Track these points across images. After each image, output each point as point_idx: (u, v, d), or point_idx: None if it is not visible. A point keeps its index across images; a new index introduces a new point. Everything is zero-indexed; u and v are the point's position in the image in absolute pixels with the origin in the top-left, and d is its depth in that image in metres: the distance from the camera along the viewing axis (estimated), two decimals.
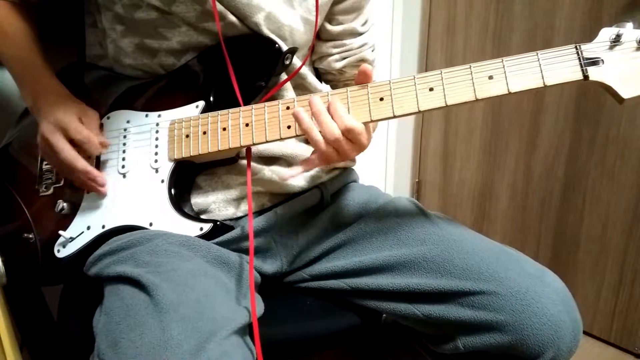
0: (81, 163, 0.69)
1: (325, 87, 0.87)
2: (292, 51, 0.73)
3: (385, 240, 0.74)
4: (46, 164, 0.77)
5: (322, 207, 0.81)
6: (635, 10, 1.30)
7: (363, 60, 0.87)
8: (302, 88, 0.80)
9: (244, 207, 0.75)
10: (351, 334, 0.78)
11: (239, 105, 0.68)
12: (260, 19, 0.70)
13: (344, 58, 0.86)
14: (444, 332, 0.69)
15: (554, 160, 1.55)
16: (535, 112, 1.57)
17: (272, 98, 0.75)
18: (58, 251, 0.72)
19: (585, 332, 1.50)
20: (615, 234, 1.44)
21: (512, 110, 1.63)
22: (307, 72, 0.79)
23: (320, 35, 0.84)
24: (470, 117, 1.76)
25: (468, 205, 1.84)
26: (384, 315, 0.83)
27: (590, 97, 1.42)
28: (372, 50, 0.89)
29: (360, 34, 0.86)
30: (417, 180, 2.02)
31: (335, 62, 0.85)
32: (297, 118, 0.63)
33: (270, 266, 0.76)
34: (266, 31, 0.71)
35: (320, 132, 0.62)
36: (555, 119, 1.53)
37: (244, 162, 0.74)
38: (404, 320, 0.73)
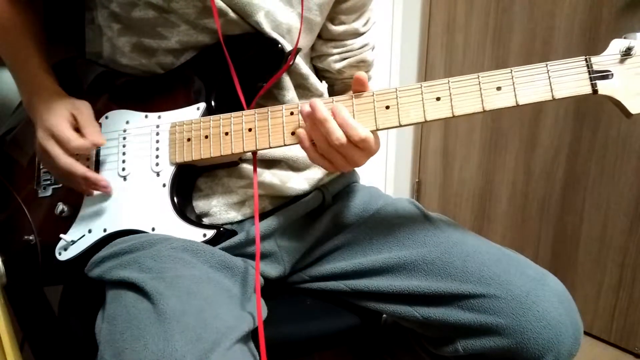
0: (80, 169, 0.68)
1: (326, 88, 0.87)
2: (296, 52, 0.72)
3: (385, 242, 0.74)
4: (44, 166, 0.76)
5: (324, 209, 0.81)
6: (636, 10, 1.30)
7: (363, 61, 0.87)
8: (303, 88, 0.79)
9: (245, 211, 0.75)
10: (351, 335, 0.78)
11: (241, 107, 0.67)
12: (261, 17, 0.69)
13: (344, 59, 0.85)
14: (444, 335, 0.69)
15: (554, 160, 1.56)
16: (535, 112, 1.58)
17: (273, 98, 0.74)
18: (59, 254, 0.72)
19: (585, 332, 1.50)
20: (615, 234, 1.44)
21: (512, 110, 1.62)
22: (309, 72, 0.78)
23: (321, 35, 0.83)
24: (470, 117, 1.75)
25: (468, 205, 1.84)
26: (384, 315, 0.84)
27: (591, 98, 1.42)
28: (372, 50, 0.89)
29: (362, 34, 0.85)
30: (417, 180, 2.02)
31: (334, 63, 0.85)
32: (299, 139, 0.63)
33: (274, 271, 0.75)
34: (268, 30, 0.70)
35: (327, 139, 0.61)
36: (555, 119, 1.53)
37: (246, 165, 0.74)
38: (403, 322, 0.74)
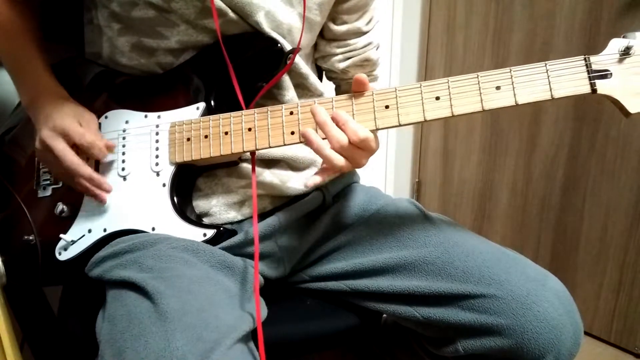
0: (85, 169, 0.68)
1: (325, 87, 0.86)
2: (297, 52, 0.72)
3: (386, 242, 0.74)
4: (43, 166, 0.76)
5: (324, 209, 0.81)
6: (636, 10, 1.30)
7: (367, 60, 0.86)
8: (302, 87, 0.79)
9: (245, 211, 0.75)
10: (351, 335, 0.78)
11: (240, 107, 0.67)
12: (261, 17, 0.69)
13: (348, 58, 0.84)
14: (444, 335, 0.69)
15: (554, 160, 1.56)
16: (535, 112, 1.58)
17: (272, 97, 0.74)
18: (59, 254, 0.72)
19: (585, 332, 1.49)
20: (615, 234, 1.44)
21: (512, 110, 1.62)
22: (309, 72, 0.78)
23: (324, 35, 0.83)
24: (470, 117, 1.76)
25: (468, 205, 1.84)
26: (384, 315, 0.83)
27: (590, 97, 1.42)
28: (377, 49, 0.88)
29: (365, 33, 0.84)
30: (417, 180, 2.02)
31: (338, 63, 0.84)
32: (307, 139, 0.63)
33: (274, 271, 0.76)
34: (268, 30, 0.70)
35: (329, 143, 0.61)
36: (555, 119, 1.53)
37: (245, 165, 0.73)
38: (403, 322, 0.73)
